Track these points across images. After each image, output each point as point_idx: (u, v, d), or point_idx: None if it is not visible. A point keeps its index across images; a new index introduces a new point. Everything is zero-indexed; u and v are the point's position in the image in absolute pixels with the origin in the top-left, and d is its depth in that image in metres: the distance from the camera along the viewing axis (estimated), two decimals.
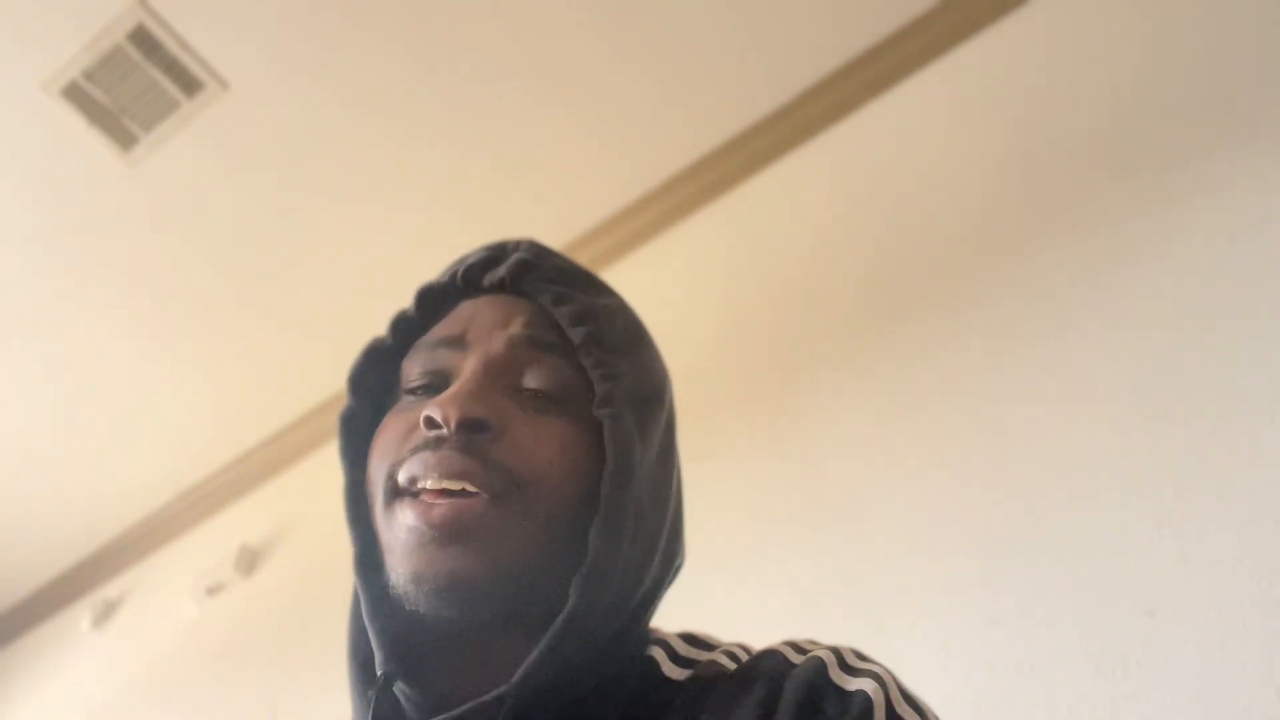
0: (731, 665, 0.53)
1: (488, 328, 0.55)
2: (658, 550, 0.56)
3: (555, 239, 2.12)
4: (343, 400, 0.60)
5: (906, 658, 1.04)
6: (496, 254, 0.60)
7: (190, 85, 1.83)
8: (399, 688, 0.51)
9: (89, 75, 1.81)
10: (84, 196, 1.97)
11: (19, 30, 1.75)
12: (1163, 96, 1.41)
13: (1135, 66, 1.48)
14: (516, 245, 0.60)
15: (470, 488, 0.48)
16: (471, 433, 0.49)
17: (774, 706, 0.47)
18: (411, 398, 0.55)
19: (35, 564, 2.60)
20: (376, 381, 0.59)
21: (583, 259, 2.09)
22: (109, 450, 2.39)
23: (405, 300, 0.62)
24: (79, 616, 2.45)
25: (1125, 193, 1.33)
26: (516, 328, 0.55)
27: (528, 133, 1.97)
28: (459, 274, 0.59)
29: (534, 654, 0.48)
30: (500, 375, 0.53)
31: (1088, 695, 0.90)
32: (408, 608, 0.49)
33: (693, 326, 1.76)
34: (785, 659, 0.50)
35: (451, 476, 0.48)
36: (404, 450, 0.51)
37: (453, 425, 0.49)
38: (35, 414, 2.31)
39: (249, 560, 2.16)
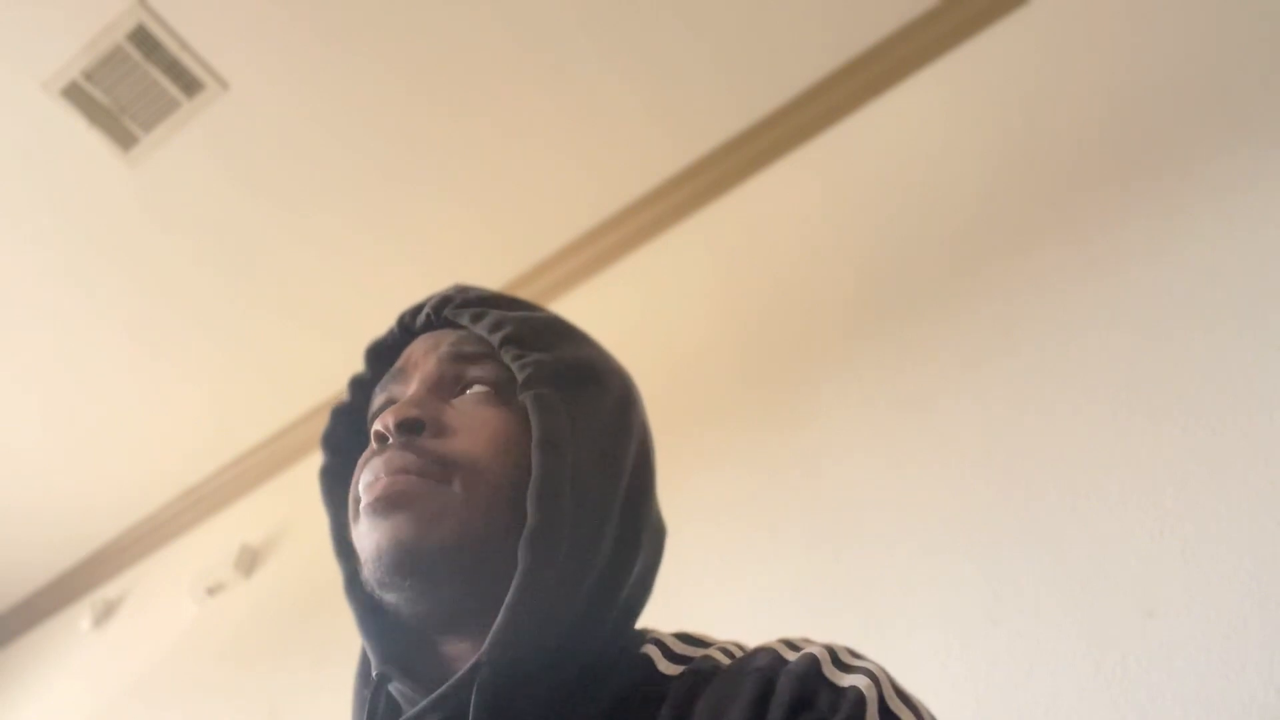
0: (726, 661, 0.54)
1: (422, 354, 0.62)
2: (609, 521, 0.57)
3: (550, 243, 2.13)
4: (342, 399, 0.67)
5: (906, 658, 1.04)
6: (422, 302, 0.67)
7: (190, 85, 1.83)
8: (395, 688, 0.55)
9: (89, 75, 1.81)
10: (84, 196, 1.97)
11: (19, 30, 1.75)
12: (1161, 97, 1.41)
13: (1133, 67, 1.48)
14: (440, 292, 0.68)
15: (411, 476, 0.54)
16: (410, 433, 0.55)
17: (767, 701, 0.48)
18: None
19: (35, 564, 2.60)
20: (345, 437, 0.67)
21: (580, 262, 2.11)
22: (109, 450, 2.39)
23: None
24: (79, 616, 2.45)
25: (1123, 193, 1.33)
26: (445, 347, 0.62)
27: (526, 135, 1.97)
28: (395, 325, 0.67)
29: (498, 618, 0.51)
30: (435, 387, 0.60)
31: (1088, 695, 0.90)
32: (385, 598, 0.54)
33: (689, 330, 1.76)
34: (779, 655, 0.51)
35: (393, 471, 0.54)
36: (363, 468, 0.57)
37: (392, 428, 0.55)
38: (35, 414, 2.31)
39: (249, 560, 2.16)
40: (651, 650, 0.56)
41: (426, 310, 0.65)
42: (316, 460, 0.65)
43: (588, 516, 0.56)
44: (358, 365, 0.69)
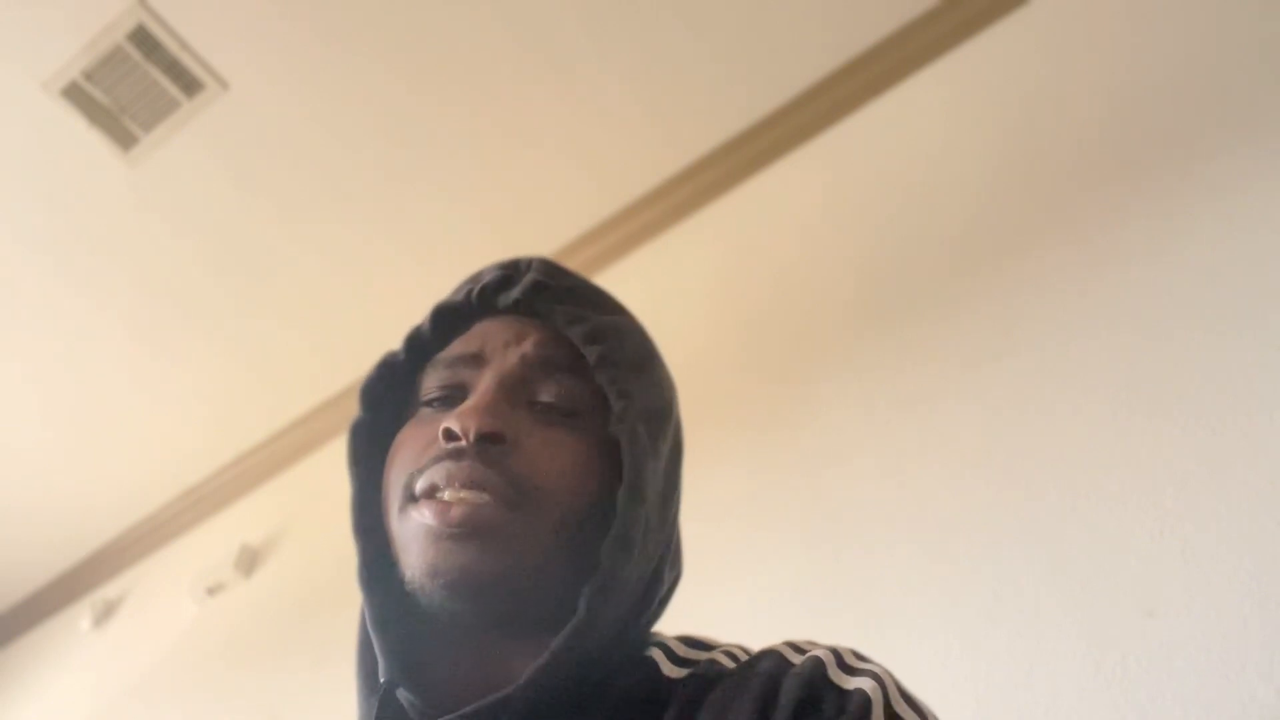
0: (730, 664, 0.53)
1: (503, 345, 0.57)
2: (662, 565, 0.58)
3: (552, 241, 2.13)
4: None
5: (906, 658, 1.04)
6: (509, 273, 0.61)
7: (190, 85, 1.83)
8: (402, 694, 0.52)
9: (89, 75, 1.81)
10: (84, 196, 1.97)
11: (19, 30, 1.75)
12: (1161, 97, 1.41)
13: (1133, 67, 1.48)
14: (529, 264, 0.62)
15: (486, 496, 0.51)
16: (488, 445, 0.52)
17: (772, 704, 0.47)
18: (429, 410, 0.57)
19: (35, 564, 2.60)
20: (387, 394, 0.61)
21: (580, 261, 2.10)
22: (109, 450, 2.39)
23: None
24: (79, 616, 2.45)
25: (1124, 193, 1.33)
26: (530, 346, 0.57)
27: (528, 134, 1.97)
28: (474, 294, 0.61)
29: (542, 659, 0.49)
30: (514, 390, 0.55)
31: (1088, 695, 0.90)
32: (422, 602, 0.51)
33: (689, 329, 1.76)
34: (784, 658, 0.51)
35: (469, 485, 0.51)
36: (424, 459, 0.53)
37: (471, 437, 0.51)
38: (35, 413, 2.31)
39: (249, 560, 2.16)
40: (656, 654, 0.55)
41: (517, 293, 0.59)
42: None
43: (647, 565, 0.55)
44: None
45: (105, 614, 2.41)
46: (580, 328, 0.57)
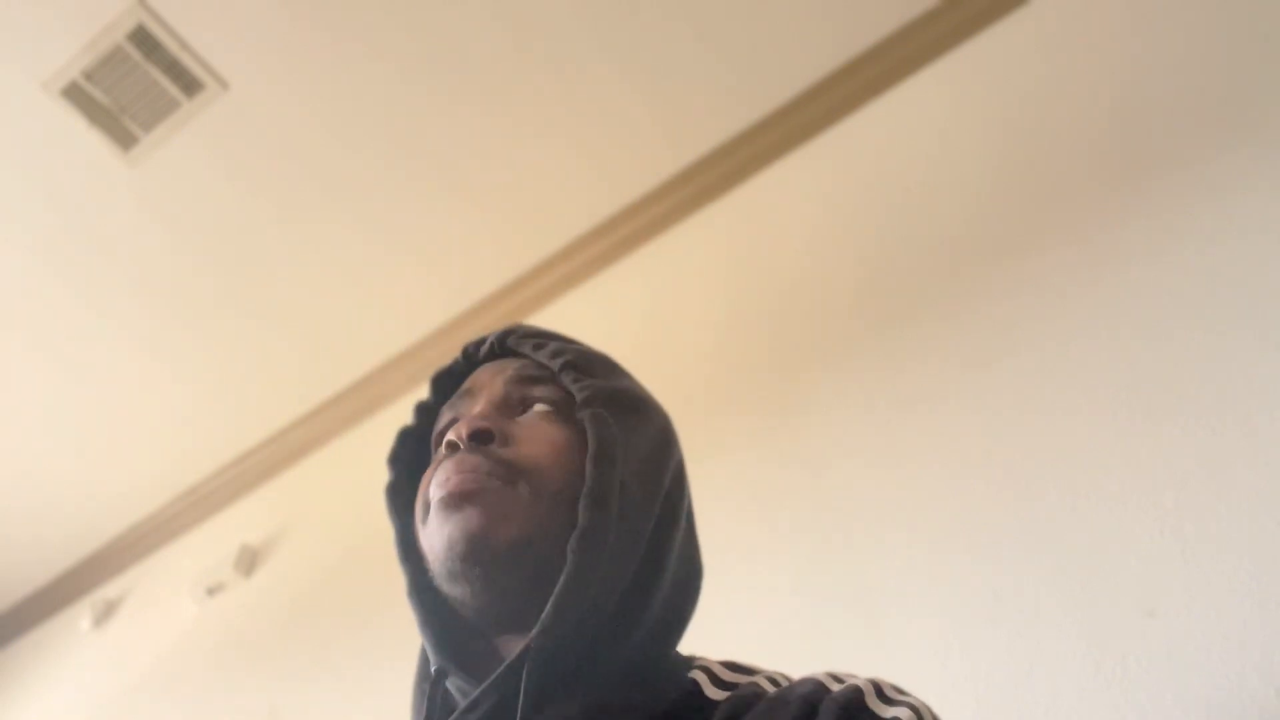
0: (771, 689, 0.57)
1: (489, 378, 0.69)
2: (645, 533, 0.63)
3: (551, 243, 2.13)
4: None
5: (906, 658, 1.05)
6: (484, 336, 0.74)
7: (190, 85, 1.83)
8: (451, 682, 0.60)
9: (89, 75, 1.81)
10: (84, 196, 1.97)
11: (19, 30, 1.75)
12: (1162, 98, 1.41)
13: (1133, 67, 1.48)
14: (501, 329, 0.75)
15: (482, 474, 0.59)
16: (480, 441, 0.61)
17: None
18: (441, 450, 0.65)
19: (35, 564, 2.60)
20: (410, 457, 0.72)
21: (581, 261, 2.11)
22: (109, 450, 2.39)
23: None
24: (79, 616, 2.45)
25: (1124, 193, 1.33)
26: (510, 371, 0.68)
27: (528, 134, 1.97)
28: (460, 356, 0.74)
29: (547, 608, 0.55)
30: (503, 404, 0.66)
31: (1088, 695, 0.90)
32: (456, 592, 0.59)
33: (689, 329, 1.76)
34: (823, 685, 0.54)
35: (464, 470, 0.59)
36: (432, 474, 0.62)
37: (464, 436, 0.61)
38: (35, 414, 2.31)
39: (249, 560, 2.16)
40: (699, 675, 0.60)
41: (491, 341, 0.72)
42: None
43: (629, 525, 0.61)
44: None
45: (105, 614, 2.41)
46: (546, 350, 0.69)
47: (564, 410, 0.65)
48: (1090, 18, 1.60)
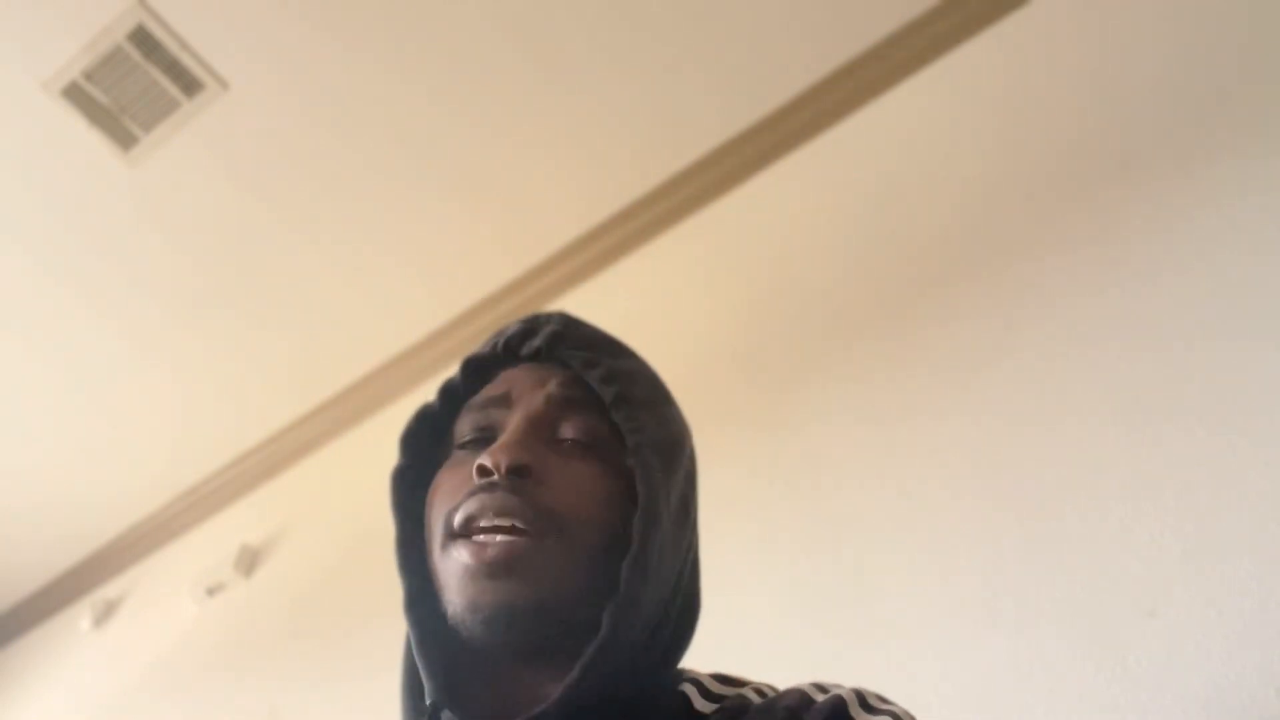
0: (758, 700, 0.57)
1: (528, 388, 0.63)
2: (677, 591, 0.62)
3: (548, 245, 2.13)
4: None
5: (906, 659, 1.05)
6: (531, 326, 0.68)
7: (190, 85, 1.83)
8: (446, 715, 0.56)
9: (89, 75, 1.81)
10: (84, 196, 1.97)
11: (19, 30, 1.75)
12: (1160, 99, 1.41)
13: (1134, 68, 1.48)
14: (549, 318, 0.69)
15: (518, 524, 0.55)
16: (518, 477, 0.56)
17: None
18: (464, 452, 0.62)
19: (35, 564, 2.60)
20: (425, 441, 0.67)
21: (575, 265, 2.11)
22: (109, 450, 2.39)
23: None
24: (79, 616, 2.45)
25: (1123, 196, 1.33)
26: (553, 387, 0.62)
27: (528, 133, 1.97)
28: (499, 345, 0.67)
29: (572, 674, 0.53)
30: (540, 427, 0.60)
31: (1088, 695, 0.90)
32: (463, 634, 0.55)
33: (685, 332, 1.76)
34: (807, 696, 0.54)
35: (502, 514, 0.55)
36: (460, 495, 0.58)
37: (503, 470, 0.56)
38: (35, 414, 2.31)
39: (249, 560, 2.16)
40: (689, 689, 0.59)
41: (539, 342, 0.66)
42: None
43: (664, 587, 0.60)
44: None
45: (105, 614, 2.41)
46: (597, 371, 0.63)
47: (605, 448, 0.61)
48: (1089, 20, 1.60)
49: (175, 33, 1.78)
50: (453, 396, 0.67)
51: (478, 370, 0.67)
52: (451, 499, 0.58)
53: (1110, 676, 0.90)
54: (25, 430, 2.34)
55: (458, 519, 0.56)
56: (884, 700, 0.54)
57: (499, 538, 0.55)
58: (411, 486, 0.65)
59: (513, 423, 0.60)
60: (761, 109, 1.95)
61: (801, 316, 1.61)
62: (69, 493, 2.46)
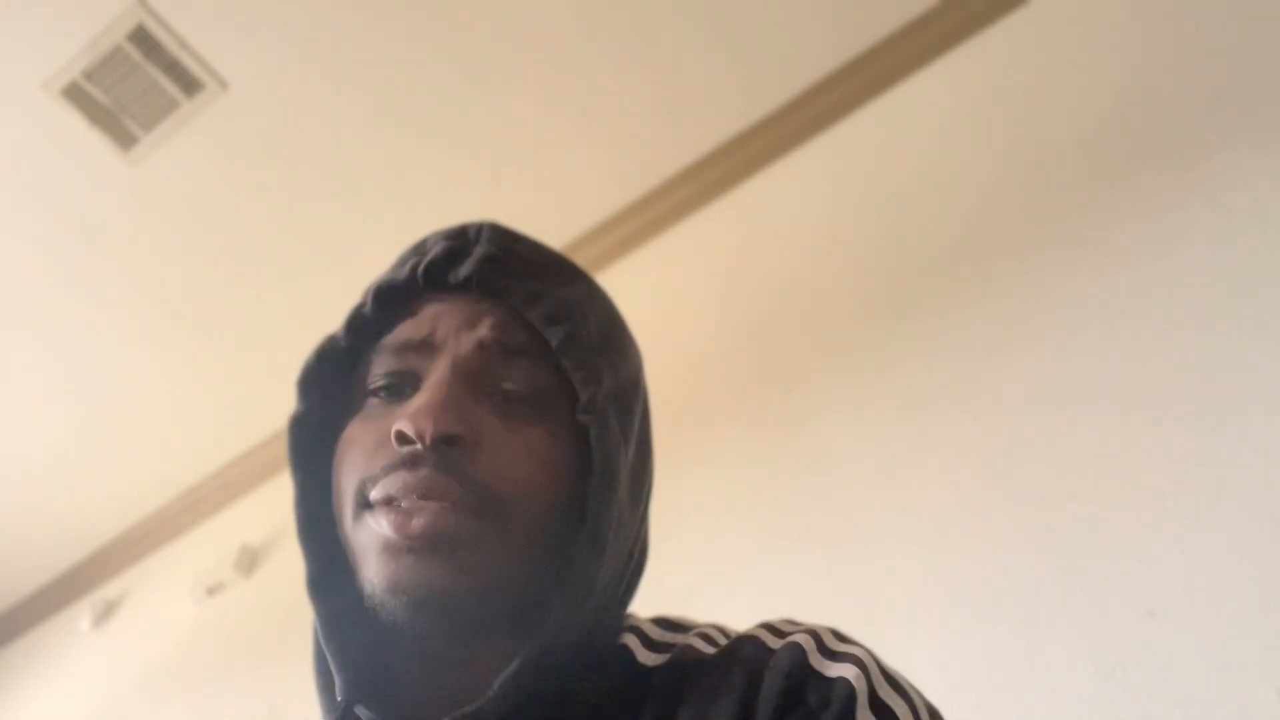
0: (707, 649, 0.51)
1: (455, 330, 0.52)
2: (634, 550, 0.56)
3: (554, 239, 2.13)
4: (334, 337, 0.57)
5: (906, 659, 1.04)
6: (458, 244, 0.55)
7: (190, 85, 1.83)
8: (362, 712, 0.48)
9: (89, 75, 1.81)
10: (84, 196, 1.97)
11: (19, 30, 1.75)
12: (1161, 97, 1.41)
13: (1134, 67, 1.48)
14: (479, 232, 0.57)
15: (448, 505, 0.47)
16: (446, 448, 0.47)
17: (754, 697, 0.46)
18: (376, 400, 0.52)
19: (35, 564, 2.60)
20: (330, 382, 0.56)
21: (581, 260, 2.10)
22: (109, 450, 2.39)
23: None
24: (79, 616, 2.45)
25: (1124, 193, 1.33)
26: (485, 330, 0.51)
27: (525, 135, 1.97)
28: (419, 270, 0.54)
29: (512, 667, 0.46)
30: (471, 380, 0.50)
31: (1088, 695, 0.90)
32: (383, 618, 0.46)
33: (690, 328, 1.76)
34: (763, 644, 0.48)
35: (429, 498, 0.46)
36: (376, 465, 0.48)
37: (428, 441, 0.47)
38: (35, 414, 2.31)
39: (249, 560, 2.16)
40: (630, 640, 0.53)
41: (469, 270, 0.53)
42: None
43: (621, 556, 0.53)
44: None
45: (105, 614, 2.41)
46: (540, 308, 0.52)
47: (550, 401, 0.51)
48: (1089, 17, 1.60)
49: (175, 33, 1.78)
50: (362, 329, 0.55)
51: (393, 300, 0.55)
52: (366, 465, 0.49)
53: (1110, 676, 0.90)
54: (25, 430, 2.33)
55: (375, 494, 0.48)
56: (841, 639, 0.49)
57: (426, 513, 0.46)
58: (314, 437, 0.55)
59: (437, 373, 0.50)
60: (766, 106, 1.94)
61: (804, 312, 1.61)
62: (69, 493, 2.46)
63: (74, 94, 1.82)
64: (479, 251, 0.54)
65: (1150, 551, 0.97)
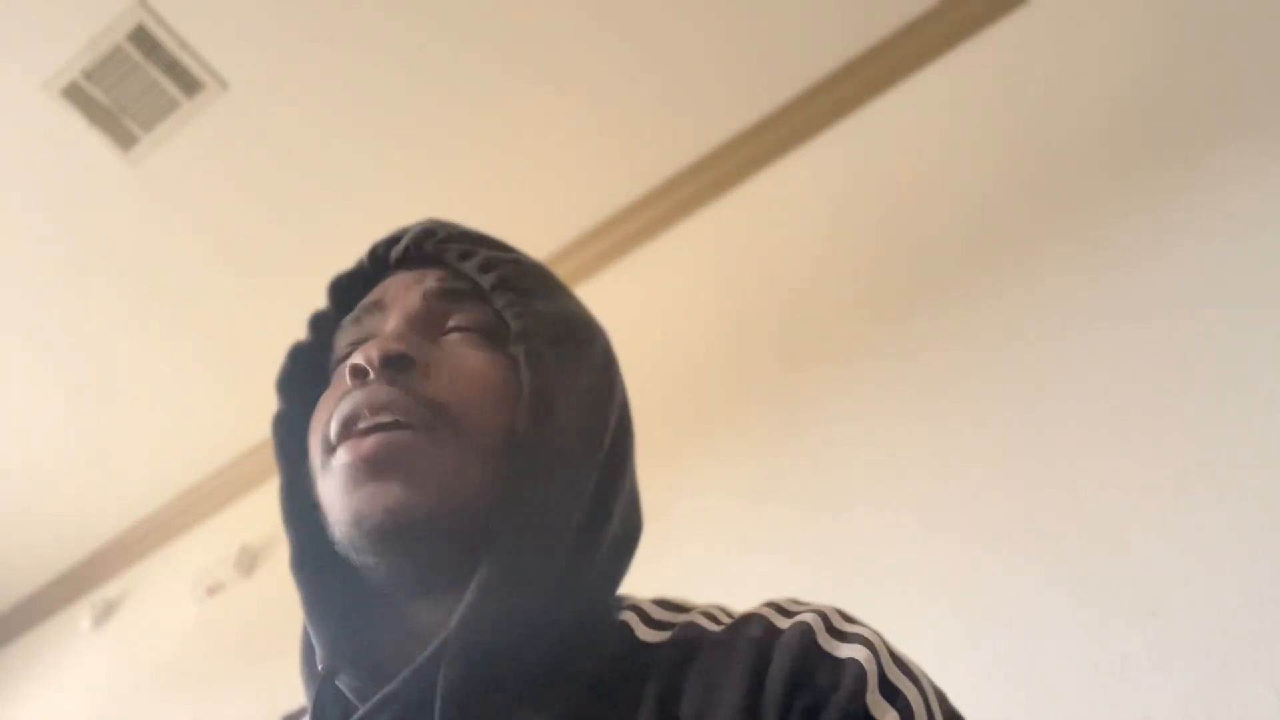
0: (712, 626, 0.51)
1: (403, 289, 0.57)
2: (604, 507, 0.54)
3: (556, 238, 2.13)
4: (301, 339, 0.62)
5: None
6: (398, 233, 0.62)
7: (190, 85, 1.83)
8: (343, 680, 0.50)
9: (89, 75, 1.81)
10: (84, 196, 1.97)
11: (19, 30, 1.75)
12: (1162, 95, 1.41)
13: (1134, 66, 1.48)
14: (416, 224, 0.63)
15: (400, 419, 0.48)
16: (396, 369, 0.50)
17: (763, 677, 0.46)
18: (341, 368, 0.56)
19: (35, 564, 2.60)
20: (306, 383, 0.60)
21: (585, 257, 2.10)
22: (109, 450, 2.39)
23: None
24: (79, 616, 2.45)
25: (1125, 191, 1.33)
26: (430, 283, 0.56)
27: (529, 132, 1.97)
28: (365, 258, 0.62)
29: (468, 595, 0.46)
30: (420, 323, 0.54)
31: (1088, 695, 0.90)
32: (354, 560, 0.49)
33: (694, 325, 1.76)
34: (771, 624, 0.49)
35: (379, 409, 0.48)
36: (334, 404, 0.51)
37: (376, 363, 0.49)
38: (35, 414, 2.31)
39: (249, 560, 2.16)
40: (629, 617, 0.53)
41: (406, 242, 0.60)
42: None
43: (568, 487, 0.52)
44: None
45: (105, 614, 2.41)
46: (474, 260, 0.57)
47: (494, 337, 0.54)
48: (1090, 17, 1.60)
49: (175, 33, 1.78)
50: (325, 326, 0.61)
51: (348, 290, 0.61)
52: (328, 410, 0.51)
53: (1110, 676, 0.90)
54: (25, 430, 2.33)
55: (334, 426, 0.49)
56: (849, 619, 0.50)
57: (379, 433, 0.48)
58: (294, 432, 0.58)
59: (389, 322, 0.54)
60: (769, 104, 1.94)
61: (807, 308, 1.61)
62: (69, 492, 2.46)
63: (74, 94, 1.82)
64: (415, 229, 0.61)
65: (1151, 551, 0.97)
